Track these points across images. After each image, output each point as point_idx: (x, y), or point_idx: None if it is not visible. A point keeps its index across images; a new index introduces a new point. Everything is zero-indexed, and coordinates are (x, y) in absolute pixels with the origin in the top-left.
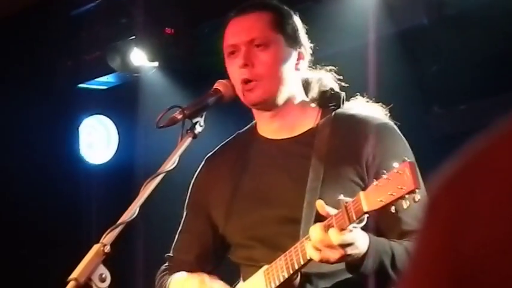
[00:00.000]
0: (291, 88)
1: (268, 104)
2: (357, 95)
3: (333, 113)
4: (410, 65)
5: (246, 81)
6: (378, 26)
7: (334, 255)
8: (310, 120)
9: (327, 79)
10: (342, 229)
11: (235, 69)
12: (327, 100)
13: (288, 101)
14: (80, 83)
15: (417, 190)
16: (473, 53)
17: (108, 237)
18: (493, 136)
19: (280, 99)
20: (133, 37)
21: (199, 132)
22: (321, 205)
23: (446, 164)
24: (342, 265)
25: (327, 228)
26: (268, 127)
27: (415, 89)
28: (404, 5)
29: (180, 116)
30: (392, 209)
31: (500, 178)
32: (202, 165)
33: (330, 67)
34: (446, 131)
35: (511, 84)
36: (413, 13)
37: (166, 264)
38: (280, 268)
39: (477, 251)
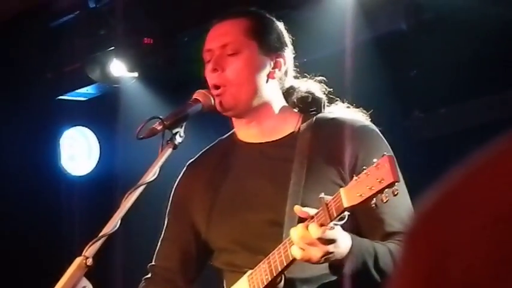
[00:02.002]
0: (264, 95)
1: (239, 111)
2: (336, 100)
3: (314, 118)
4: (389, 70)
5: (216, 87)
6: (356, 32)
7: (316, 252)
8: (290, 125)
9: (312, 87)
10: (322, 225)
11: (207, 73)
12: (308, 105)
13: (264, 107)
14: (60, 95)
15: (396, 183)
16: (452, 57)
17: (90, 250)
18: (472, 166)
19: (252, 106)
20: (113, 48)
21: (180, 143)
22: (298, 209)
23: (425, 196)
24: (325, 269)
25: (307, 225)
26: (246, 132)
27: (394, 93)
28: (382, 10)
29: (159, 127)
30: (372, 202)
31: (483, 204)
32: (184, 171)
33: (320, 77)
34: (427, 134)
35: (490, 88)
36: (391, 18)
37: (148, 275)
38: (264, 271)
39: (466, 279)
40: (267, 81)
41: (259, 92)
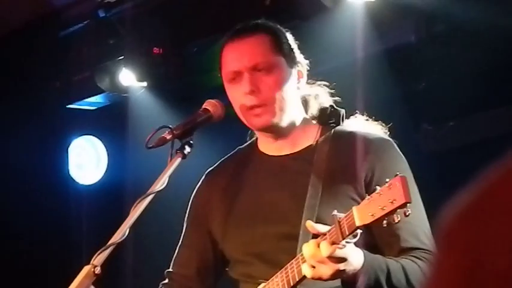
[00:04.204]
0: (294, 108)
1: (275, 127)
2: (356, 113)
3: (332, 130)
4: (399, 83)
5: (254, 107)
6: (366, 44)
7: (327, 271)
8: (310, 137)
9: (323, 95)
10: (334, 243)
11: (239, 95)
12: (327, 117)
13: (291, 121)
14: (69, 104)
15: (408, 204)
16: (461, 70)
17: (99, 258)
18: (506, 166)
19: (286, 121)
20: (122, 57)
21: (189, 153)
22: (310, 225)
23: (458, 197)
24: (338, 282)
25: (318, 243)
26: (270, 145)
27: (403, 106)
28: (392, 22)
29: (169, 137)
30: (384, 223)
31: None
32: (203, 179)
33: (323, 82)
34: (436, 147)
35: (499, 100)
36: (401, 31)
37: (165, 281)
38: (277, 285)
39: (499, 279)
40: (295, 93)
41: (292, 105)
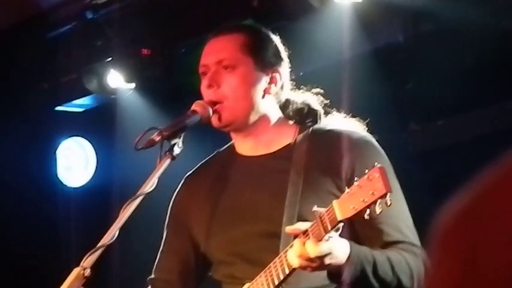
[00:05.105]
0: (260, 110)
1: (236, 126)
2: (332, 111)
3: (310, 129)
4: (386, 82)
5: (212, 103)
6: (353, 44)
7: (313, 264)
8: (287, 136)
9: (308, 98)
10: (319, 240)
11: (203, 89)
12: (304, 117)
13: (260, 121)
14: (57, 106)
15: (388, 194)
16: (448, 69)
17: (88, 261)
18: (503, 168)
19: (249, 121)
20: (110, 59)
21: (178, 154)
22: (289, 229)
23: (454, 198)
24: (324, 280)
25: (304, 241)
26: (244, 146)
27: (391, 105)
28: (379, 22)
29: (158, 138)
30: (366, 215)
31: None
32: (182, 184)
33: (317, 90)
34: (424, 147)
35: (487, 100)
36: (388, 30)
37: None
38: (261, 285)
39: (499, 276)
40: (263, 97)
41: (255, 107)
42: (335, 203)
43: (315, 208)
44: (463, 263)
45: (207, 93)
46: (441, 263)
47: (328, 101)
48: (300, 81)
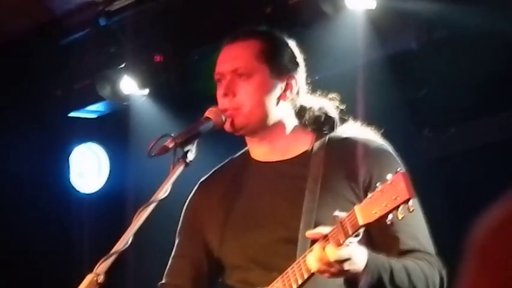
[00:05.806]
0: (275, 117)
1: (249, 130)
2: (348, 119)
3: (327, 137)
4: (400, 89)
5: (227, 111)
6: (367, 51)
7: (332, 269)
8: (304, 144)
9: (325, 105)
10: (339, 245)
11: (219, 97)
12: (321, 124)
13: (275, 127)
14: (70, 112)
15: (411, 200)
16: (462, 76)
17: (102, 267)
18: None
19: (263, 125)
20: (123, 65)
21: (191, 161)
22: (310, 234)
23: (491, 211)
24: (340, 287)
25: (324, 246)
26: (259, 151)
27: (405, 112)
28: (393, 29)
29: (171, 145)
30: (388, 219)
31: None
32: (196, 189)
33: (333, 95)
34: (437, 153)
35: (500, 106)
36: (402, 37)
37: None
38: None
39: None
40: (278, 104)
41: (270, 114)
42: (357, 208)
43: (336, 213)
44: (503, 275)
45: (222, 101)
46: (479, 276)
47: (343, 107)
48: (313, 87)
